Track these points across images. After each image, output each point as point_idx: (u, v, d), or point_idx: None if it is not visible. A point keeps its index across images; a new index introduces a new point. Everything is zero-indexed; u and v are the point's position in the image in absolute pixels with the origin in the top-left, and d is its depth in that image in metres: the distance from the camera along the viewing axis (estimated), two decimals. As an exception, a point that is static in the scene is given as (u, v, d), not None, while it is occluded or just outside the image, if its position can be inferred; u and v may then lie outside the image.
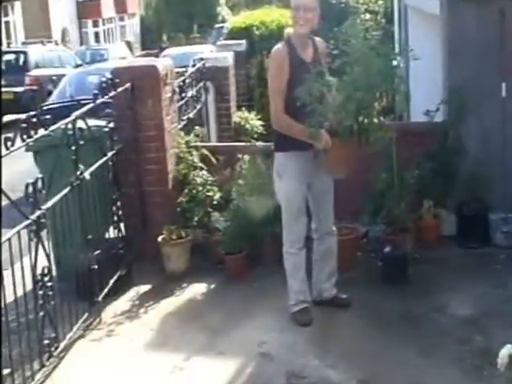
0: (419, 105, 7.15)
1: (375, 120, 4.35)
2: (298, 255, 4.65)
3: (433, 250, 5.64)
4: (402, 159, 5.48)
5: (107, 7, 37.94)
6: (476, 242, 5.70)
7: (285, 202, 4.64)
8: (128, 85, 5.78)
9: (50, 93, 12.01)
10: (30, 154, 5.53)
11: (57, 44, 24.11)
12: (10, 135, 3.94)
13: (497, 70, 5.74)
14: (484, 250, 5.66)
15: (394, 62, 4.73)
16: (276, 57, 4.53)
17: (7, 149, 3.92)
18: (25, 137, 4.13)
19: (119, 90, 5.66)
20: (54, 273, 4.54)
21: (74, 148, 4.81)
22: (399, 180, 5.48)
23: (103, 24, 38.07)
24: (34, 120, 4.23)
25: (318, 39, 4.69)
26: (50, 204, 4.38)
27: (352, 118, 4.22)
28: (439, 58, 6.44)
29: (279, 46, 4.53)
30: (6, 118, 14.53)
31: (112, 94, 5.56)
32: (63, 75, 13.07)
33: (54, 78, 13.31)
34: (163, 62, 6.42)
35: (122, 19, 40.50)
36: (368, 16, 22.05)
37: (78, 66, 18.88)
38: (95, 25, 37.34)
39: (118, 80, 5.70)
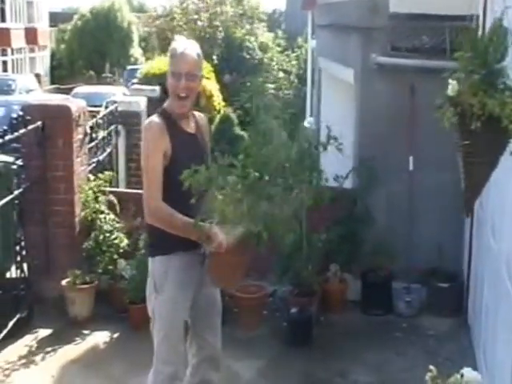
0: (330, 169, 7.31)
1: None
2: None
3: (337, 314, 5.73)
4: (311, 222, 5.53)
5: (17, 37, 37.14)
6: (379, 309, 5.84)
7: (162, 327, 3.42)
8: (39, 123, 5.65)
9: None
10: None
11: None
12: None
13: (405, 143, 5.95)
14: (387, 317, 5.78)
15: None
16: (151, 128, 3.37)
17: None
18: None
19: (30, 127, 5.52)
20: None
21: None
22: (307, 242, 5.54)
23: (12, 53, 37.17)
24: None
25: (198, 114, 3.68)
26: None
27: (259, 222, 3.03)
28: (351, 125, 6.62)
29: (154, 118, 3.42)
30: None
31: (22, 131, 5.41)
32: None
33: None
34: (77, 103, 6.32)
35: (32, 50, 39.69)
36: (281, 74, 22.69)
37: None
38: (3, 53, 36.39)
39: (29, 117, 5.56)
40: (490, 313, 4.39)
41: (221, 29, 25.75)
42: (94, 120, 7.02)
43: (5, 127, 5.29)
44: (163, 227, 3.31)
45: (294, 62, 22.72)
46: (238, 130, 12.90)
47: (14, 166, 5.47)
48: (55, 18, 42.77)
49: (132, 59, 37.97)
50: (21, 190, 5.42)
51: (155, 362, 3.48)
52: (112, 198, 6.12)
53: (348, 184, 6.18)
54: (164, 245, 3.39)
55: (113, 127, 7.97)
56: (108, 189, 6.30)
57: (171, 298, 3.39)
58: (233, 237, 3.09)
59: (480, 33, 2.52)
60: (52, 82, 37.19)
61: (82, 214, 5.94)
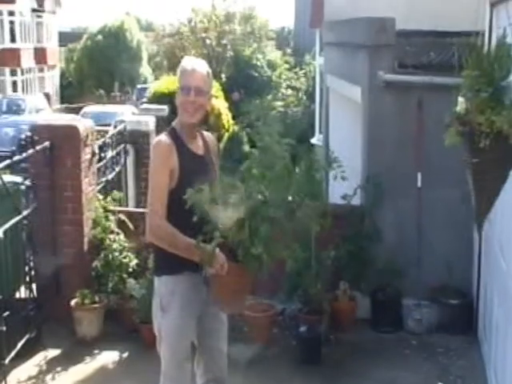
0: (338, 186, 7.31)
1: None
2: None
3: (347, 332, 5.70)
4: (320, 239, 5.53)
5: (27, 57, 37.42)
6: (389, 327, 5.81)
7: (169, 345, 3.42)
8: (47, 143, 5.68)
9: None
10: None
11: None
12: None
13: (413, 160, 5.95)
14: (397, 334, 5.75)
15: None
16: (160, 146, 3.38)
17: None
18: None
19: (38, 148, 5.55)
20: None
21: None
22: (316, 260, 5.53)
23: (22, 74, 37.45)
24: None
25: (206, 133, 3.70)
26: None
27: (260, 243, 2.98)
28: (359, 142, 6.62)
29: (162, 136, 3.43)
30: None
31: (30, 151, 5.44)
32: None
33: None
34: (84, 123, 6.35)
35: (41, 70, 39.99)
36: (290, 91, 22.73)
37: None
38: (13, 74, 36.68)
39: (37, 137, 5.59)
40: (500, 330, 4.36)
41: (229, 47, 25.88)
42: (103, 139, 7.06)
43: (13, 147, 5.31)
44: (164, 246, 3.31)
45: (302, 80, 22.75)
46: (247, 148, 12.94)
47: (23, 187, 5.50)
48: (65, 38, 43.12)
49: (142, 78, 38.24)
50: (29, 210, 5.43)
51: (162, 380, 3.49)
52: (123, 217, 6.13)
53: (357, 201, 6.17)
54: (170, 265, 3.37)
55: (121, 146, 8.01)
56: (118, 208, 6.33)
57: (177, 317, 3.39)
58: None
59: (485, 50, 2.52)
60: (62, 102, 37.44)
61: (92, 232, 5.95)
